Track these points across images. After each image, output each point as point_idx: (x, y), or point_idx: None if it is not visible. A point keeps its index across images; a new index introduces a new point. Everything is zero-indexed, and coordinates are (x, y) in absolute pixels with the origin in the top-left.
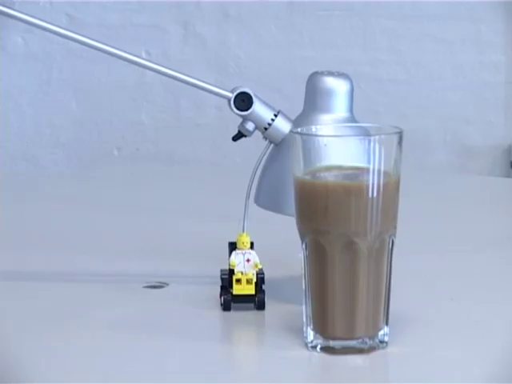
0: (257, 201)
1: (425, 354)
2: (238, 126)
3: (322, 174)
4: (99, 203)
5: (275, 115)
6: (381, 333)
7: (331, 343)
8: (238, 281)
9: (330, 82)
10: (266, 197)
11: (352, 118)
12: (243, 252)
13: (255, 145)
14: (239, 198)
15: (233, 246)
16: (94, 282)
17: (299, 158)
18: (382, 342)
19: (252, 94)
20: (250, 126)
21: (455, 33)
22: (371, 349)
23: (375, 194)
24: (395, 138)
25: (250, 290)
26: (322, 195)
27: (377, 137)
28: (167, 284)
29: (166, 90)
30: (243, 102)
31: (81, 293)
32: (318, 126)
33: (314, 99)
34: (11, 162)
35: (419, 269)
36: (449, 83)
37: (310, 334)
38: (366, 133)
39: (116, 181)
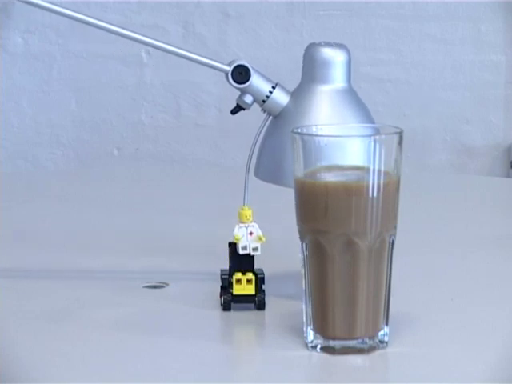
0: (257, 174)
1: (425, 354)
2: (236, 100)
3: (321, 174)
4: (99, 203)
5: (273, 87)
6: (381, 333)
7: (331, 343)
8: (238, 281)
9: (328, 52)
10: (266, 169)
11: (350, 89)
12: (246, 225)
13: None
14: (239, 198)
15: (233, 247)
16: (94, 282)
17: (299, 158)
18: (381, 341)
19: (249, 67)
20: (248, 98)
21: (455, 33)
22: (371, 349)
23: (375, 194)
24: (395, 138)
25: (250, 290)
26: (322, 195)
27: (377, 137)
28: (167, 284)
29: (165, 90)
30: (241, 74)
31: (81, 293)
32: (319, 126)
33: (311, 70)
34: (11, 162)
35: (419, 269)
36: (449, 83)
37: (310, 334)
38: (366, 132)
39: (116, 181)
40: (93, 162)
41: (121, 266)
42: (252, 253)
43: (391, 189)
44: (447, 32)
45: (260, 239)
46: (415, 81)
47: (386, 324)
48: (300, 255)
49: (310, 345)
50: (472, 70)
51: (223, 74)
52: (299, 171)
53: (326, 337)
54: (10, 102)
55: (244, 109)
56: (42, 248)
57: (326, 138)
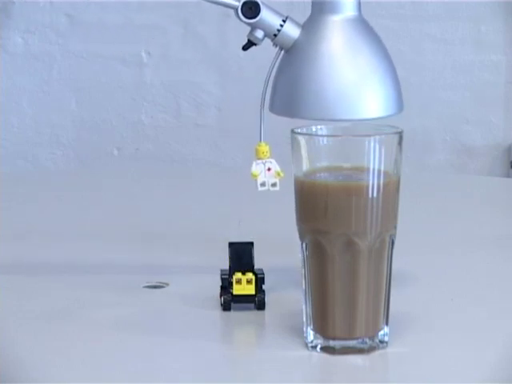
0: (272, 109)
1: (425, 354)
2: (247, 35)
3: (322, 174)
4: (99, 203)
5: (283, 21)
6: (381, 333)
7: (331, 343)
8: (238, 281)
9: None
10: (281, 103)
11: (360, 17)
12: (263, 161)
13: (255, 145)
14: (239, 198)
15: (233, 247)
16: (94, 282)
17: (299, 158)
18: (382, 341)
19: (259, 1)
20: (259, 33)
21: (455, 33)
22: (371, 349)
23: (375, 194)
24: (395, 138)
25: (250, 290)
26: (322, 195)
27: (377, 137)
28: (167, 284)
29: (165, 90)
30: (250, 9)
31: (81, 293)
32: (319, 126)
33: (321, 1)
34: (11, 162)
35: (419, 269)
36: (449, 83)
37: (310, 334)
38: (366, 132)
39: (116, 181)
40: (93, 162)
41: (121, 266)
42: (271, 189)
43: (391, 189)
44: (447, 32)
45: (278, 175)
46: (415, 81)
47: (386, 324)
48: (300, 255)
49: (310, 345)
50: (472, 70)
51: (223, 74)
52: (299, 171)
53: (326, 337)
54: (10, 102)
55: (256, 44)
56: (42, 248)
57: (325, 138)
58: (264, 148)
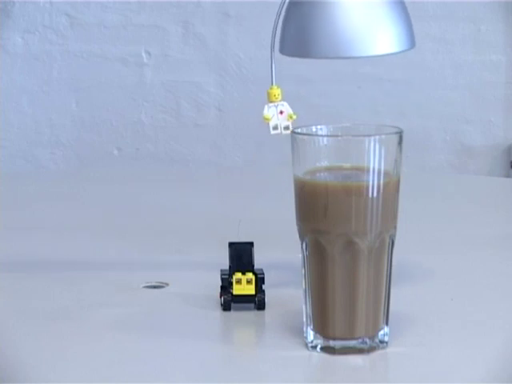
0: (282, 50)
1: (425, 354)
2: None
3: (322, 174)
4: (99, 203)
5: None
6: (381, 333)
7: (331, 343)
8: (238, 281)
9: None
10: (291, 44)
11: None
12: (275, 104)
13: (255, 145)
14: (239, 198)
15: (233, 247)
16: (94, 282)
17: (299, 158)
18: (382, 341)
19: None
20: None
21: (455, 33)
22: (371, 349)
23: (375, 194)
24: (395, 138)
25: (250, 290)
26: (322, 195)
27: (377, 137)
28: (167, 284)
29: (165, 90)
30: None
31: (80, 292)
32: (319, 126)
33: None
34: (11, 162)
35: (419, 269)
36: (449, 83)
37: (310, 334)
38: (366, 132)
39: (116, 181)
40: (93, 162)
41: (121, 266)
42: (283, 132)
43: (391, 189)
44: (447, 32)
45: (291, 117)
46: (415, 81)
47: (386, 324)
48: (300, 255)
49: (310, 345)
50: (472, 70)
51: (223, 74)
52: (299, 171)
53: (325, 337)
54: (10, 102)
55: None
56: (42, 248)
57: (325, 138)
58: (276, 91)
